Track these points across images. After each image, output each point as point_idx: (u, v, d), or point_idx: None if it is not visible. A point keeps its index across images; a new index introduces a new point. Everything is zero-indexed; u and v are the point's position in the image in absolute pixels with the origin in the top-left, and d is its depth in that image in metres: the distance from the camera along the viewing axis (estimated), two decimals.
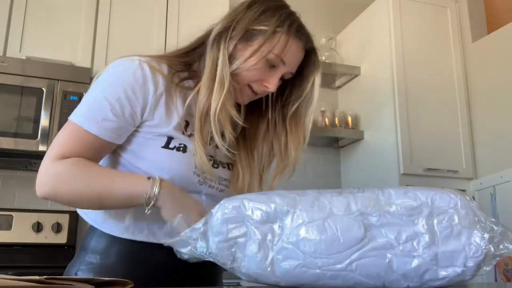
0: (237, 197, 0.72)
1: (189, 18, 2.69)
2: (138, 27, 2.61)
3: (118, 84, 0.95)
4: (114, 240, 0.99)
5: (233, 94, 1.01)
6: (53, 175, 0.92)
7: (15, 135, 2.25)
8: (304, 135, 1.09)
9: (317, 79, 1.08)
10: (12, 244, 2.36)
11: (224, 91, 0.97)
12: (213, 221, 0.70)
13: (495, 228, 0.64)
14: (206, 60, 1.01)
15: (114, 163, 1.02)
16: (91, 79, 2.35)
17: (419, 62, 2.81)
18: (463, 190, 2.66)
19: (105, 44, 2.54)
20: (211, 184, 1.03)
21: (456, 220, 0.65)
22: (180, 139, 0.98)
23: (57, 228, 2.43)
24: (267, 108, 1.12)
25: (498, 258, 0.64)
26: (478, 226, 0.65)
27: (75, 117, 0.95)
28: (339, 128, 2.96)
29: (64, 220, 2.46)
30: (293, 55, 1.02)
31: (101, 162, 1.00)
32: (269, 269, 0.67)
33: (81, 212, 1.06)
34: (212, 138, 0.99)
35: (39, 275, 0.54)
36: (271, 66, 1.01)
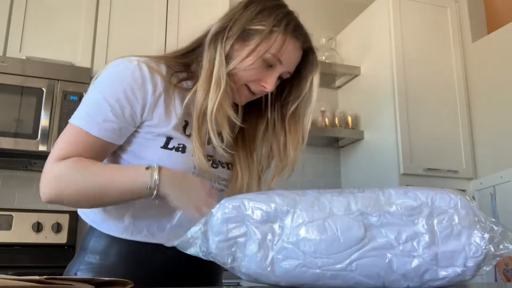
0: (237, 197, 0.72)
1: (189, 18, 2.69)
2: (138, 27, 2.62)
3: (117, 84, 0.95)
4: (113, 240, 0.99)
5: (231, 94, 1.01)
6: (54, 176, 0.92)
7: (15, 135, 2.25)
8: (303, 135, 1.09)
9: (316, 78, 1.07)
10: (12, 244, 2.36)
11: (221, 91, 0.97)
12: (213, 220, 0.70)
13: (495, 228, 0.64)
14: (203, 60, 1.01)
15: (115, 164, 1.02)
16: (91, 79, 2.35)
17: (419, 62, 2.81)
18: (463, 190, 2.66)
19: (105, 44, 2.54)
20: (210, 184, 1.03)
21: (456, 220, 0.65)
22: (179, 139, 0.98)
23: (57, 228, 2.43)
24: (266, 108, 1.12)
25: (498, 258, 0.64)
26: (478, 226, 0.65)
27: (75, 119, 0.95)
28: (339, 128, 2.96)
29: (64, 220, 2.46)
30: (290, 55, 1.01)
31: None
32: (269, 269, 0.67)
33: (80, 212, 1.06)
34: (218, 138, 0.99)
35: (39, 275, 0.54)
36: (268, 66, 1.01)
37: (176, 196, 0.90)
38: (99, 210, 1.00)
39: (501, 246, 0.64)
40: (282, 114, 1.10)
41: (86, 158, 0.93)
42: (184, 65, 1.05)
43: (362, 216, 0.66)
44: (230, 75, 0.99)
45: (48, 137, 2.27)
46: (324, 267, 0.66)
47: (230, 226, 0.69)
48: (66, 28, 2.52)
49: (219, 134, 0.99)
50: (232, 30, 0.99)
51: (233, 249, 0.69)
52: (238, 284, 2.00)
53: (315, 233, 0.66)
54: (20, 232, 2.39)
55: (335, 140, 3.09)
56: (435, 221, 0.65)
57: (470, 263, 0.64)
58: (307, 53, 1.07)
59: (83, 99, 0.98)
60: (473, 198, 2.63)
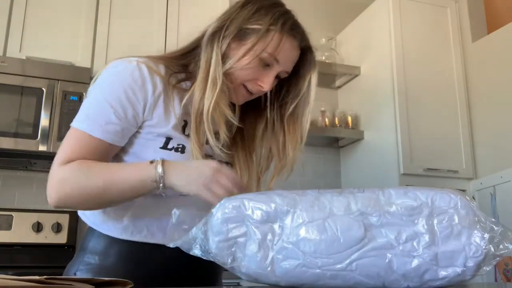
0: (237, 197, 0.72)
1: (189, 18, 2.69)
2: (138, 27, 2.61)
3: (118, 86, 0.95)
4: (113, 240, 0.99)
5: (228, 94, 1.00)
6: (59, 180, 0.92)
7: (15, 135, 2.25)
8: (301, 135, 1.08)
9: (314, 78, 1.07)
10: (12, 244, 2.36)
11: (217, 90, 0.96)
12: (213, 220, 0.70)
13: (495, 228, 0.64)
14: (200, 60, 1.01)
15: None
16: (91, 79, 2.35)
17: (419, 62, 2.81)
18: (463, 190, 2.66)
19: (105, 44, 2.54)
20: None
21: (456, 220, 0.65)
22: (178, 139, 0.99)
23: (57, 228, 2.43)
24: (265, 108, 1.11)
25: (498, 258, 0.64)
26: (478, 226, 0.65)
27: (77, 123, 0.95)
28: (339, 128, 2.96)
29: (64, 220, 2.46)
30: (287, 54, 1.01)
31: None
32: (269, 268, 0.67)
33: (80, 213, 1.06)
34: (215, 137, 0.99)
35: (39, 275, 0.54)
36: (265, 65, 1.00)
37: (183, 183, 0.88)
38: (98, 211, 1.00)
39: (501, 246, 0.64)
40: (281, 114, 1.10)
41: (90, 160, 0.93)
42: (182, 65, 1.05)
43: (362, 216, 0.66)
44: (227, 74, 0.99)
45: (48, 137, 2.27)
46: (324, 267, 0.66)
47: (230, 226, 0.69)
48: (66, 28, 2.52)
49: (217, 134, 0.99)
50: (228, 29, 0.99)
51: (233, 249, 0.69)
52: (238, 284, 2.00)
53: (315, 233, 0.66)
54: (20, 232, 2.38)
55: (335, 140, 3.09)
56: (435, 221, 0.65)
57: (470, 263, 0.64)
58: (305, 52, 1.07)
59: (84, 102, 0.98)
60: (473, 198, 2.63)
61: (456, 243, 0.64)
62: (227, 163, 1.08)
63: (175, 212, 0.74)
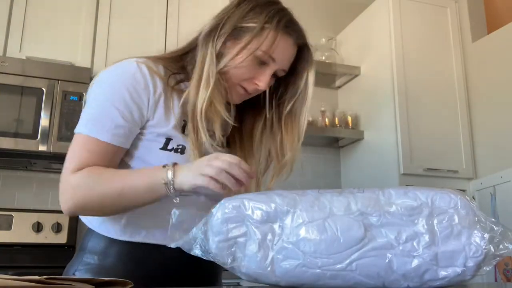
0: (237, 197, 0.72)
1: (189, 18, 2.69)
2: (138, 27, 2.61)
3: (121, 87, 0.95)
4: (112, 241, 0.98)
5: (223, 92, 1.00)
6: (71, 188, 0.91)
7: (15, 135, 2.25)
8: (299, 134, 1.07)
9: (311, 75, 1.06)
10: (12, 244, 2.35)
11: (210, 88, 0.96)
12: (213, 220, 0.70)
13: (495, 228, 0.64)
14: (196, 60, 1.01)
15: None
16: (91, 79, 2.35)
17: (419, 62, 2.81)
18: (463, 190, 2.66)
19: (105, 44, 2.54)
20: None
21: (456, 220, 0.65)
22: (178, 139, 0.98)
23: (57, 228, 2.43)
24: (263, 107, 1.11)
25: (498, 258, 0.64)
26: (478, 226, 0.65)
27: (82, 128, 0.94)
28: (339, 128, 2.96)
29: (64, 220, 2.46)
30: (283, 51, 1.00)
31: None
32: (269, 268, 0.67)
33: None
34: (211, 136, 0.99)
35: (39, 275, 0.54)
36: (261, 63, 1.00)
37: (189, 179, 0.87)
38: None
39: (501, 246, 0.64)
40: (279, 112, 1.09)
41: (101, 166, 0.93)
42: (181, 66, 1.05)
43: (362, 216, 0.66)
44: (222, 73, 0.99)
45: (48, 137, 2.27)
46: (324, 267, 0.66)
47: (230, 226, 0.69)
48: (66, 28, 2.52)
49: (213, 133, 0.99)
50: (224, 28, 0.99)
51: (233, 249, 0.69)
52: (238, 284, 2.00)
53: (315, 233, 0.66)
54: (20, 232, 2.38)
55: (335, 140, 3.09)
56: (435, 221, 0.65)
57: (470, 263, 0.64)
58: (302, 49, 1.06)
59: (86, 106, 0.97)
60: (473, 198, 2.63)
61: (456, 243, 0.64)
62: None
63: (175, 212, 0.74)
